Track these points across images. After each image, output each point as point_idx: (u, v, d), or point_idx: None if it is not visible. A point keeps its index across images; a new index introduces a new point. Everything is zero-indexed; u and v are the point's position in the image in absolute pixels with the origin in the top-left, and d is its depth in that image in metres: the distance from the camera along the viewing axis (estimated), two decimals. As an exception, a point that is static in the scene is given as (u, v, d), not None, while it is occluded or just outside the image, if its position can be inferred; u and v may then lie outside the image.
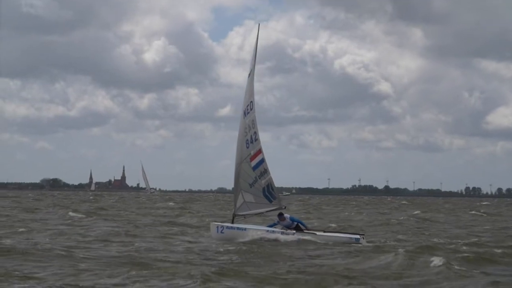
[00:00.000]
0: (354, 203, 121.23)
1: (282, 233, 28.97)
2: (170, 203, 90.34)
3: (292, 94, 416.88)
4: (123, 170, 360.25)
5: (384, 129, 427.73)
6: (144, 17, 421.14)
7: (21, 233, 32.06)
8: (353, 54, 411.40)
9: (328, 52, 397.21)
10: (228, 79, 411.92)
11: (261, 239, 28.56)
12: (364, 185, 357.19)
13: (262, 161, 30.11)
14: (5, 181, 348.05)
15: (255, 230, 29.39)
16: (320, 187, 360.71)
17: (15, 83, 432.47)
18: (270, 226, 29.77)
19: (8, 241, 26.85)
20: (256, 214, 30.83)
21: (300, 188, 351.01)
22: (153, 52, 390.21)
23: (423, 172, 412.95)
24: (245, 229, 29.23)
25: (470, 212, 72.34)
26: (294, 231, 29.16)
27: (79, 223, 41.19)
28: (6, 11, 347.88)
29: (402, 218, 54.07)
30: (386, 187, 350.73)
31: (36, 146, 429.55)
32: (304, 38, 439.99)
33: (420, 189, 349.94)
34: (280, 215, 29.63)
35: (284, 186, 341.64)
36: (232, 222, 30.14)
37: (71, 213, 51.29)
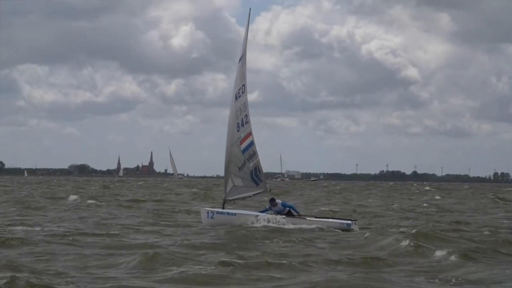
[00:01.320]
0: (373, 189, 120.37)
1: (273, 217, 28.81)
2: (194, 190, 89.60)
3: (319, 80, 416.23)
4: (151, 156, 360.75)
5: (412, 114, 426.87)
6: (172, 2, 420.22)
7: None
8: (380, 39, 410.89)
9: (355, 37, 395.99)
10: (255, 65, 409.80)
11: (251, 223, 28.44)
12: (392, 171, 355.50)
13: (251, 144, 29.91)
14: (34, 167, 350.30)
15: (245, 215, 29.44)
16: (348, 172, 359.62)
17: (43, 69, 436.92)
18: (262, 212, 29.51)
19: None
20: (244, 198, 30.65)
21: (327, 174, 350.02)
22: (181, 38, 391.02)
23: (451, 157, 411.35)
24: (235, 214, 29.24)
25: (491, 197, 71.45)
26: (284, 216, 28.81)
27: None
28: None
29: (413, 204, 53.54)
30: (414, 173, 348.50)
31: (64, 132, 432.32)
32: (331, 23, 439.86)
33: (448, 175, 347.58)
34: (272, 200, 29.40)
35: (311, 171, 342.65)
36: (223, 208, 29.82)
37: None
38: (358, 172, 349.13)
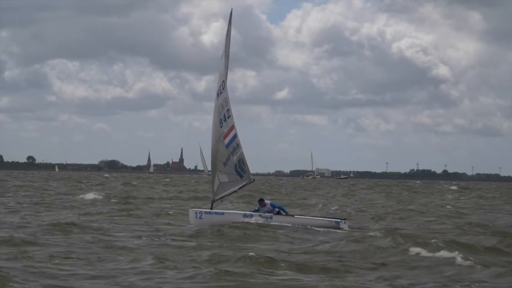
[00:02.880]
0: (396, 189, 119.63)
1: (260, 216, 28.69)
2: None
3: (350, 77, 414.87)
4: (181, 152, 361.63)
5: (442, 113, 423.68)
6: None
7: None
8: (411, 37, 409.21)
9: (386, 35, 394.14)
10: (286, 62, 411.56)
11: (239, 223, 28.34)
12: (422, 170, 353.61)
13: (235, 136, 29.83)
14: (64, 162, 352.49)
15: (233, 214, 29.55)
16: (378, 171, 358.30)
17: (74, 64, 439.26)
18: (252, 212, 29.50)
19: None
20: (231, 193, 30.39)
21: (358, 172, 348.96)
22: (211, 34, 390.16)
23: (481, 156, 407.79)
24: (223, 213, 29.39)
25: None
26: (272, 215, 28.86)
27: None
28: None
29: (422, 203, 53.07)
30: (445, 172, 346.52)
31: (94, 128, 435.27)
32: (362, 21, 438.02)
33: (478, 174, 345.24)
34: (261, 201, 29.51)
35: (341, 169, 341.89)
36: (211, 208, 29.80)
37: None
38: (388, 171, 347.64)
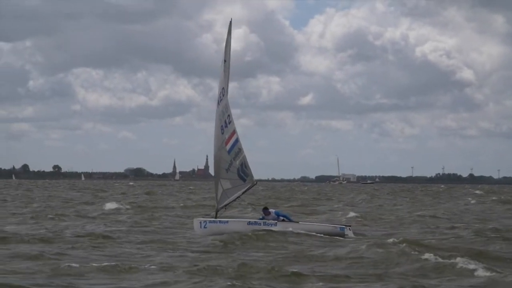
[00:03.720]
0: (418, 193, 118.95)
1: (264, 223, 28.64)
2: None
3: (373, 82, 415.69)
4: (207, 159, 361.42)
5: (467, 116, 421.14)
6: (225, 5, 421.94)
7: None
8: (434, 41, 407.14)
9: (409, 39, 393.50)
10: (310, 67, 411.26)
11: (243, 230, 28.17)
12: (448, 174, 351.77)
13: (237, 141, 29.68)
14: (90, 171, 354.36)
15: (237, 222, 29.50)
16: (404, 175, 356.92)
17: (98, 73, 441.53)
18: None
19: None
20: (234, 199, 30.14)
21: (383, 177, 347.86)
22: (234, 41, 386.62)
23: (507, 160, 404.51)
24: (227, 221, 29.30)
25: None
26: (276, 221, 28.76)
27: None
28: (88, 1, 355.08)
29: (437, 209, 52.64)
30: (471, 175, 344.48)
31: (119, 136, 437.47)
32: (385, 25, 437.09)
33: (505, 177, 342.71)
34: (265, 209, 29.42)
35: (367, 174, 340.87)
36: (216, 217, 29.77)
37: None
38: (414, 175, 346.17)
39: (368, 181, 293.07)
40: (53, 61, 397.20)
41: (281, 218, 29.17)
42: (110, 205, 50.11)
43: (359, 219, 38.98)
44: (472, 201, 69.53)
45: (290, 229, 28.19)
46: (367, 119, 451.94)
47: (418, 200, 76.19)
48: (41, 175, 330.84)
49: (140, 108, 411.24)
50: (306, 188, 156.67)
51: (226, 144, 29.63)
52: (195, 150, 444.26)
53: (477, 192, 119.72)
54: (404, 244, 22.58)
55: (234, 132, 29.53)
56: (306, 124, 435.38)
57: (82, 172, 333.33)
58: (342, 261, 20.75)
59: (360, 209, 50.03)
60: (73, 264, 19.14)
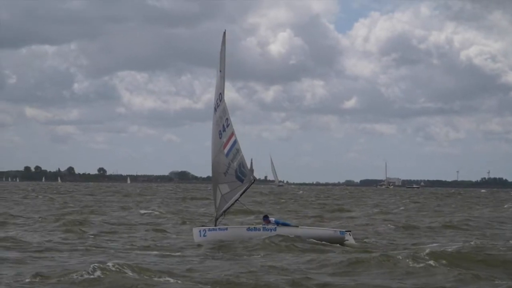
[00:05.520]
0: (458, 199, 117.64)
1: (263, 229, 28.50)
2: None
3: (418, 86, 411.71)
4: (251, 163, 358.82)
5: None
6: (270, 9, 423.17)
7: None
8: (479, 44, 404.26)
9: (454, 43, 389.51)
10: (354, 71, 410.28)
11: (242, 237, 28.04)
12: (494, 178, 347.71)
13: (235, 142, 29.36)
14: (135, 174, 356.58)
15: (237, 229, 29.36)
16: (449, 179, 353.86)
17: (142, 76, 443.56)
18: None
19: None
20: (233, 203, 29.76)
21: (428, 181, 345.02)
22: (279, 44, 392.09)
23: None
24: (226, 229, 29.12)
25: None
26: (276, 226, 28.55)
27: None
28: (132, 4, 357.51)
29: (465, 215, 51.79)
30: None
31: (164, 139, 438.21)
32: (430, 29, 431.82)
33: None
34: (265, 217, 29.29)
35: (412, 178, 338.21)
36: (215, 225, 29.70)
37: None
38: (459, 179, 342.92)
39: (414, 186, 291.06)
40: (97, 64, 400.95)
41: (280, 225, 29.05)
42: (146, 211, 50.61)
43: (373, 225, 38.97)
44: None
45: (289, 234, 27.88)
46: (412, 123, 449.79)
47: (450, 205, 75.66)
48: (86, 177, 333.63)
49: (185, 111, 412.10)
50: (349, 192, 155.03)
51: (224, 147, 29.47)
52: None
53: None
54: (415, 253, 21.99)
55: (232, 134, 29.32)
56: (350, 127, 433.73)
57: (128, 175, 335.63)
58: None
59: (386, 217, 48.99)
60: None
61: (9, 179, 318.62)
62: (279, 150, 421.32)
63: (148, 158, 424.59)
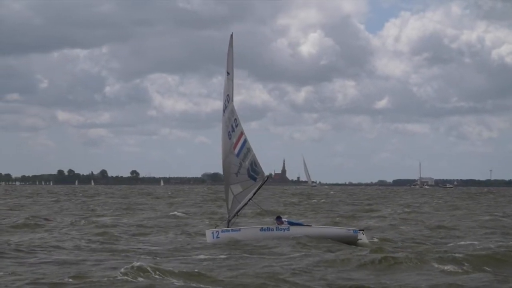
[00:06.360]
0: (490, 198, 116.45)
1: (277, 229, 28.39)
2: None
3: (450, 85, 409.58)
4: (283, 164, 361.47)
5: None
6: (300, 10, 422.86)
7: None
8: (511, 43, 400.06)
9: (485, 42, 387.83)
10: (385, 71, 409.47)
11: (256, 237, 28.01)
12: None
13: (245, 142, 29.28)
14: (167, 176, 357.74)
15: (250, 229, 29.22)
16: (482, 179, 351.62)
17: (174, 78, 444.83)
18: None
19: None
20: (246, 203, 29.60)
21: (461, 180, 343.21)
22: (309, 45, 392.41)
23: None
24: (239, 229, 29.02)
25: None
26: (289, 226, 28.40)
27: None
28: (163, 7, 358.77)
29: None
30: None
31: (196, 141, 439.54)
32: (461, 28, 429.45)
33: None
34: (278, 218, 29.13)
35: (445, 178, 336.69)
36: (228, 226, 29.47)
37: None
38: (493, 178, 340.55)
39: (448, 185, 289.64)
40: (129, 67, 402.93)
41: (293, 224, 28.92)
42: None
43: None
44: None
45: (302, 233, 27.95)
46: (444, 122, 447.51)
47: (481, 204, 74.84)
48: (119, 180, 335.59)
49: (216, 113, 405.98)
50: (382, 193, 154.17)
51: (234, 148, 29.45)
52: (272, 155, 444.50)
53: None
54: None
55: (241, 134, 29.31)
56: (383, 127, 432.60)
57: (161, 178, 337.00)
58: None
59: (412, 217, 48.44)
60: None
61: (43, 183, 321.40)
62: (311, 151, 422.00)
63: (180, 160, 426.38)
